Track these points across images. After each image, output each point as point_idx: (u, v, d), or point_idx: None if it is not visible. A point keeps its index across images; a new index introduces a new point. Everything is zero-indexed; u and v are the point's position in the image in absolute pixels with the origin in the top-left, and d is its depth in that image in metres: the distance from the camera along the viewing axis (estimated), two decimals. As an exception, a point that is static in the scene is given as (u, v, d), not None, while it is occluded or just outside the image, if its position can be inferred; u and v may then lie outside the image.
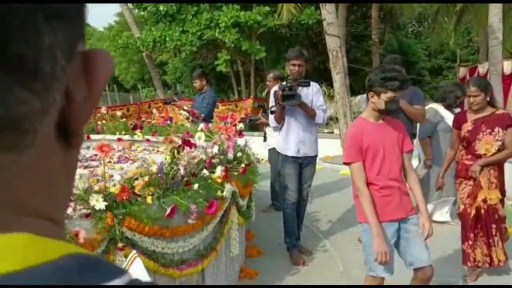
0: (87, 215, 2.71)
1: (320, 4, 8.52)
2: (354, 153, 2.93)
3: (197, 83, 6.63)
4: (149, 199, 2.86)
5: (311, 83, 4.51)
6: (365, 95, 3.27)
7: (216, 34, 13.97)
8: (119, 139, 6.63)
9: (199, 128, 4.34)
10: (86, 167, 5.12)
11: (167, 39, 14.45)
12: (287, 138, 4.57)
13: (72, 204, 2.74)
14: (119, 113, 7.19)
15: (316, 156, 4.74)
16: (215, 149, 3.89)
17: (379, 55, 15.38)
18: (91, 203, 2.72)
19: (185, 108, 6.68)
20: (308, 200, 4.89)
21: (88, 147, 6.60)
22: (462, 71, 12.87)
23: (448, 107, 5.24)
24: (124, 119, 6.79)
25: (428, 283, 2.97)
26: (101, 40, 29.07)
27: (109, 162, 5.47)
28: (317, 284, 3.99)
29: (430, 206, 5.20)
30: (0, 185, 0.33)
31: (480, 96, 3.79)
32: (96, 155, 5.93)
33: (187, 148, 3.43)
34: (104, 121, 6.91)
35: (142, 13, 16.49)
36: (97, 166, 5.20)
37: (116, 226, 2.73)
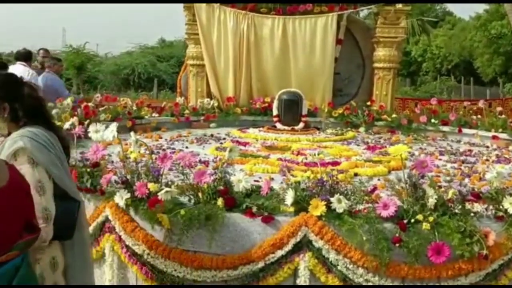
0: (499, 218, 2.55)
1: None
2: None
3: None
4: None
5: None
6: None
7: None
8: (494, 137, 6.17)
9: None
10: (463, 162, 4.96)
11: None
12: None
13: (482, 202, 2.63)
14: (499, 108, 6.69)
15: None
16: None
17: None
18: (505, 206, 2.55)
19: None
20: None
21: (458, 141, 6.42)
22: None
23: None
24: (503, 116, 6.26)
25: None
26: (464, 30, 27.92)
27: (486, 160, 5.14)
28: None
29: None
30: None
31: None
32: (470, 150, 5.70)
33: None
34: (479, 116, 6.57)
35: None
36: (474, 163, 4.98)
37: (530, 237, 2.48)
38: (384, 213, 2.47)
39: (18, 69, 6.26)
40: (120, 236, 2.76)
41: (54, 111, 5.20)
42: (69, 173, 2.18)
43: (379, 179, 3.93)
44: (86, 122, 4.64)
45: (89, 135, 2.78)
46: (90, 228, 2.85)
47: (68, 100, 5.53)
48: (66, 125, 3.50)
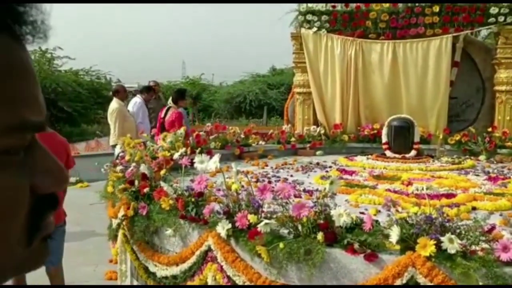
0: None
1: None
2: None
3: None
4: None
5: None
6: None
7: None
8: None
9: None
10: None
11: None
12: None
13: None
14: None
15: None
16: None
17: None
18: None
19: None
20: None
21: None
22: None
23: None
24: None
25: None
26: None
27: None
28: None
29: None
30: None
31: None
32: None
33: None
34: None
35: None
36: None
37: None
38: (504, 256, 2.20)
39: (133, 99, 8.00)
40: (222, 266, 2.80)
41: (168, 140, 5.52)
42: None
43: (501, 214, 3.54)
44: (197, 150, 4.85)
45: (195, 165, 2.88)
46: (194, 257, 2.93)
47: (182, 130, 5.84)
48: (176, 155, 3.67)
